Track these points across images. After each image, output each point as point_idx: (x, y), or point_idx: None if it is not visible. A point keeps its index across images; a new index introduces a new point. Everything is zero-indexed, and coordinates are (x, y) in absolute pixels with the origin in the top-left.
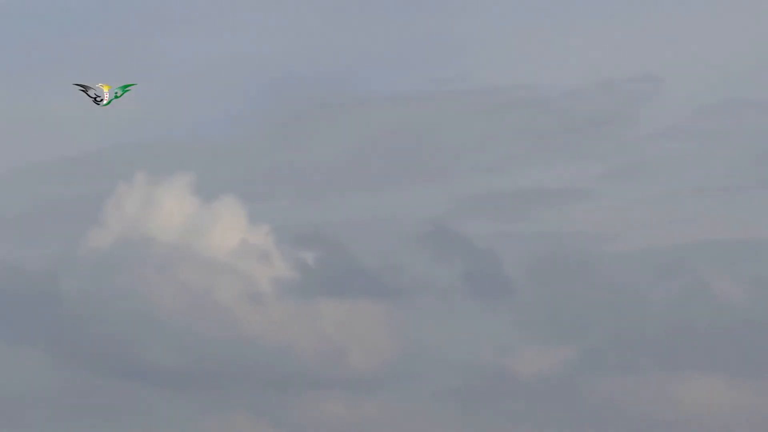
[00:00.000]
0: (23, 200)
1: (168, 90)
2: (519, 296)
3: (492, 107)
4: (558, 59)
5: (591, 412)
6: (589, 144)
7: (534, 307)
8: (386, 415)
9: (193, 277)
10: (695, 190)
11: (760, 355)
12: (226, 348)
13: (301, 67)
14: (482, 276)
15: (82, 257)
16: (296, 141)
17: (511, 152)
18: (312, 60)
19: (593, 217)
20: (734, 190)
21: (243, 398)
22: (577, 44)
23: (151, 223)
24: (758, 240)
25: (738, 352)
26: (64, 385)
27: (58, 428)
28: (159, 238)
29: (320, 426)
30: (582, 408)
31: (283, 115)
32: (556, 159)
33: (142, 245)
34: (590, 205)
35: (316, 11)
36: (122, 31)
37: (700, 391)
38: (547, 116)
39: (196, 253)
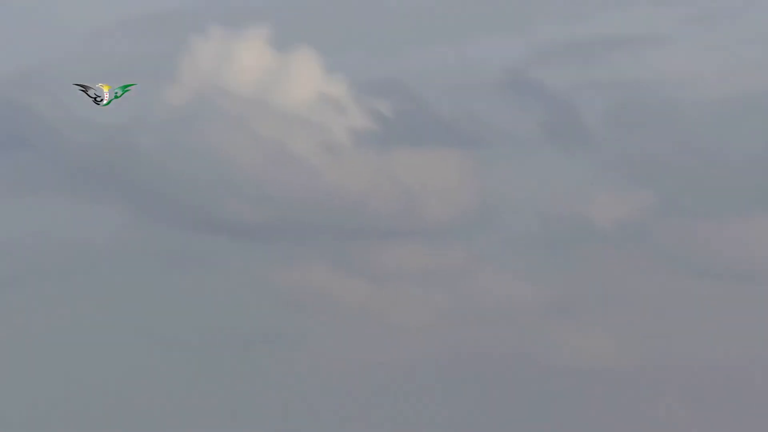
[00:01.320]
0: (98, 58)
1: None
2: (596, 144)
3: None
4: None
5: (667, 257)
6: None
7: (611, 154)
8: (464, 265)
9: (270, 130)
10: None
11: None
12: (303, 200)
13: None
14: (560, 124)
15: (159, 113)
16: None
17: None
18: None
19: (672, 63)
20: None
21: (320, 249)
22: None
23: (227, 77)
24: None
25: None
26: (142, 239)
27: (138, 282)
28: (234, 92)
29: (399, 276)
30: (658, 253)
31: None
32: (634, 4)
33: (218, 99)
34: (668, 51)
35: None
36: None
37: None
38: None
39: (272, 105)
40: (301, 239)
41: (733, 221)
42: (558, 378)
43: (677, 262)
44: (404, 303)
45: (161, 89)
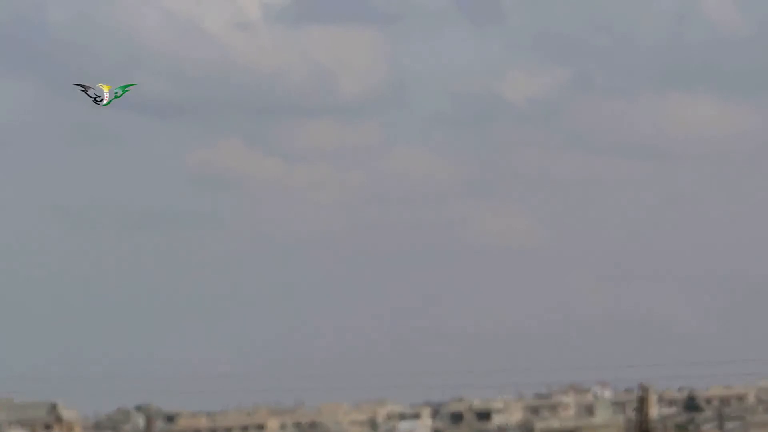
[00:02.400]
0: None
1: None
2: (511, 20)
3: None
4: None
5: (579, 134)
6: None
7: (525, 31)
8: (378, 143)
9: (181, 5)
10: None
11: None
12: (216, 76)
13: None
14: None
15: None
16: None
17: None
18: None
19: None
20: None
21: (234, 126)
22: None
23: None
24: None
25: None
26: (53, 116)
27: (50, 159)
28: None
29: (312, 152)
30: (571, 131)
31: None
32: None
33: None
34: None
35: None
36: None
37: None
38: None
39: None
40: (215, 116)
41: (644, 99)
42: (474, 256)
43: (589, 140)
44: (318, 181)
45: None
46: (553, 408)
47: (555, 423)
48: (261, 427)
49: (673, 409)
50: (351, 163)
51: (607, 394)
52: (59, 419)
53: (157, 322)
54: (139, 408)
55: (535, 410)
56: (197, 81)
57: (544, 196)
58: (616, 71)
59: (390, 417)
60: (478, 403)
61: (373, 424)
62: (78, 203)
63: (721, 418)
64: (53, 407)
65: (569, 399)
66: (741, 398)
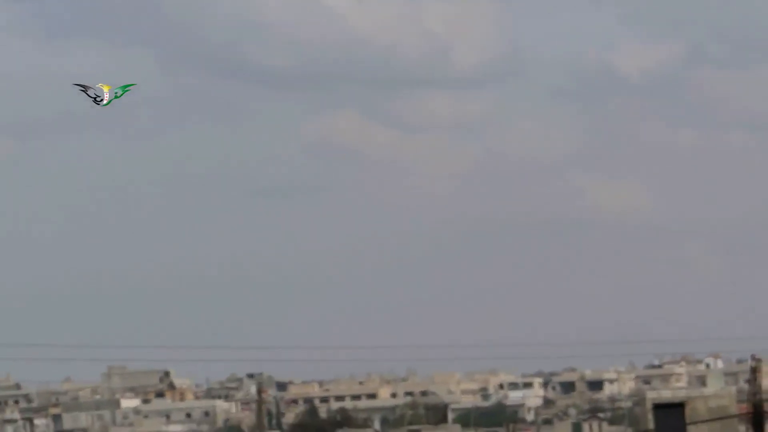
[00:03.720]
0: None
1: None
2: None
3: None
4: None
5: (696, 107)
6: None
7: (641, 2)
8: (492, 113)
9: None
10: None
11: None
12: (333, 48)
13: None
14: None
15: None
16: None
17: None
18: None
19: None
20: None
21: (351, 98)
22: None
23: None
24: None
25: None
26: (170, 86)
27: (167, 129)
28: None
29: (429, 124)
30: (687, 104)
31: None
32: None
33: None
34: None
35: None
36: None
37: None
38: None
39: None
40: (332, 88)
41: (761, 70)
42: (590, 228)
43: (705, 112)
44: (434, 152)
45: None
46: (665, 378)
47: (667, 393)
48: (373, 395)
49: None
50: (468, 134)
51: (720, 364)
52: (171, 386)
53: (270, 293)
54: (251, 376)
55: (646, 380)
56: (314, 53)
57: (662, 168)
58: (731, 43)
59: (502, 386)
60: (589, 373)
61: (484, 393)
62: (198, 173)
63: None
64: (166, 375)
65: (681, 370)
66: None
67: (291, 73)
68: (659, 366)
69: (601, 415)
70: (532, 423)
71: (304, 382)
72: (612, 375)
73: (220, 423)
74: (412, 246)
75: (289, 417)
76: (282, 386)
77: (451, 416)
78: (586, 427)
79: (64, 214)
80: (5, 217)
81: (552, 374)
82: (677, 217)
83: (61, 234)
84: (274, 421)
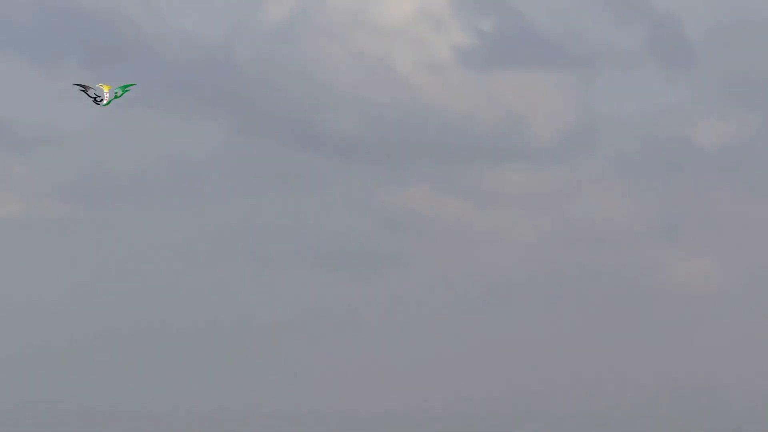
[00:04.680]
0: None
1: None
2: (702, 63)
3: None
4: None
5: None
6: None
7: (717, 74)
8: (567, 187)
9: (370, 45)
10: None
11: None
12: (405, 118)
13: None
14: (665, 43)
15: (258, 27)
16: None
17: None
18: None
19: None
20: None
21: (423, 170)
22: None
23: None
24: None
25: None
26: (242, 156)
27: (238, 197)
28: (334, 6)
29: (502, 198)
30: (762, 177)
31: None
32: None
33: (318, 14)
34: None
35: None
36: None
37: None
38: None
39: (372, 20)
40: (404, 159)
41: None
42: (661, 302)
43: None
44: (507, 225)
45: (260, 4)
46: None
47: None
48: None
49: None
50: (541, 207)
51: None
52: None
53: (341, 361)
54: None
55: None
56: (385, 122)
57: (736, 242)
58: None
59: None
60: None
61: None
62: (267, 244)
63: None
64: None
65: None
66: None
67: (361, 142)
68: None
69: None
70: None
71: None
72: None
73: None
74: (480, 319)
75: None
76: None
77: None
78: None
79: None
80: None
81: None
82: (751, 292)
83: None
84: None
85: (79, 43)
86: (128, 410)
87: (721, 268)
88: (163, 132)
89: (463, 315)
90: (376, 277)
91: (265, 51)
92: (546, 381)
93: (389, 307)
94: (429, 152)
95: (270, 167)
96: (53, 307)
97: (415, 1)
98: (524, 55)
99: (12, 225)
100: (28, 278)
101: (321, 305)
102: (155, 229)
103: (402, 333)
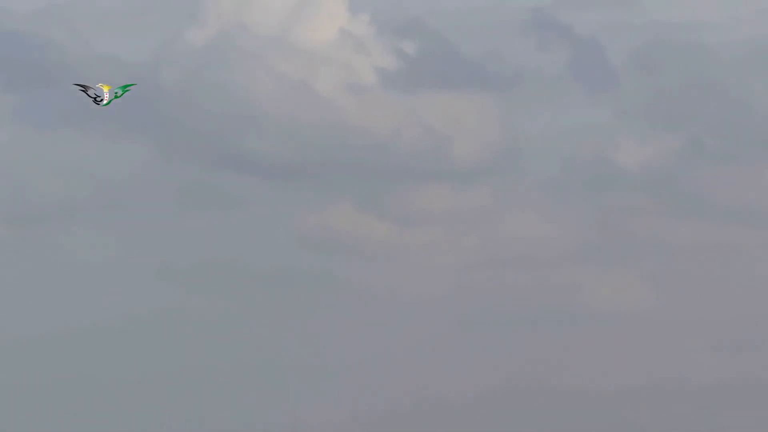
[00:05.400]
0: None
1: None
2: (623, 86)
3: None
4: None
5: (694, 202)
6: None
7: (638, 96)
8: (490, 207)
9: (293, 68)
10: None
11: None
12: (329, 140)
13: None
14: (586, 66)
15: (182, 50)
16: None
17: None
18: None
19: (700, 5)
20: None
21: (347, 190)
22: None
23: (249, 16)
24: None
25: None
26: (164, 176)
27: (161, 218)
28: (257, 31)
29: (425, 217)
30: (685, 198)
31: None
32: None
33: (241, 38)
34: None
35: None
36: None
37: None
38: None
39: (295, 43)
40: (328, 180)
41: (761, 166)
42: (585, 323)
43: (704, 207)
44: (430, 245)
45: (184, 28)
46: None
47: None
48: None
49: None
50: (464, 227)
51: None
52: None
53: (266, 384)
54: None
55: None
56: (309, 143)
57: (658, 263)
58: (730, 137)
59: None
60: None
61: None
62: (188, 265)
63: None
64: None
65: None
66: None
67: (285, 163)
68: None
69: None
70: None
71: None
72: None
73: None
74: (405, 337)
75: None
76: None
77: None
78: None
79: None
80: None
81: None
82: (673, 312)
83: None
84: None
85: (2, 65)
86: None
87: (645, 291)
88: (87, 152)
89: (387, 335)
90: (302, 299)
91: (189, 73)
92: (457, 393)
93: (314, 328)
94: (352, 172)
95: (192, 189)
96: None
97: (338, 24)
98: (447, 76)
99: None
100: None
101: (244, 326)
102: (75, 248)
103: (327, 353)
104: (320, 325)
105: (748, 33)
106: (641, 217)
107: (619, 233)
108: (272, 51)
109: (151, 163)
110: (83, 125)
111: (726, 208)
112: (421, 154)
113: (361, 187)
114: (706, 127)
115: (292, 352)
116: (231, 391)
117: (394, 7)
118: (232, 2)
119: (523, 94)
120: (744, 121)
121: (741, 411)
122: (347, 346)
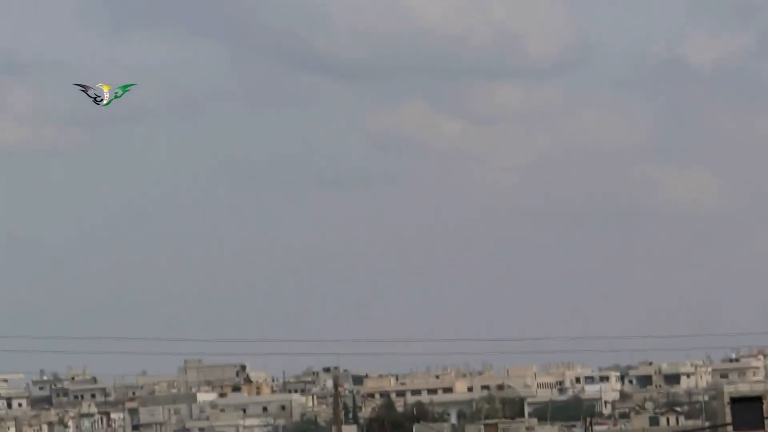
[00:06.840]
0: None
1: None
2: None
3: None
4: None
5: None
6: None
7: None
8: (562, 105)
9: None
10: None
11: None
12: (401, 39)
13: None
14: None
15: None
16: None
17: None
18: None
19: None
20: None
21: (419, 88)
22: None
23: None
24: None
25: None
26: (243, 78)
27: (239, 119)
28: None
29: (497, 115)
30: (756, 93)
31: None
32: None
33: None
34: None
35: None
36: None
37: None
38: None
39: None
40: (400, 78)
41: None
42: (660, 219)
43: None
44: (502, 144)
45: None
46: (742, 372)
47: (744, 387)
48: (449, 389)
49: None
50: (536, 125)
51: None
52: (248, 380)
53: (346, 286)
54: (327, 370)
55: (723, 374)
56: (383, 44)
57: (733, 159)
58: None
59: (578, 380)
60: (666, 367)
61: (561, 387)
62: (264, 162)
63: None
64: (242, 368)
65: (759, 363)
66: None
67: (359, 64)
68: (736, 360)
69: (678, 409)
70: (609, 417)
71: (380, 376)
72: (689, 369)
73: (296, 417)
74: (481, 239)
75: (366, 411)
76: (358, 380)
77: (527, 410)
78: (663, 421)
79: (135, 206)
80: (78, 208)
81: (628, 368)
82: (748, 207)
83: (131, 226)
84: (350, 415)
85: None
86: None
87: (718, 187)
88: (163, 51)
89: (461, 238)
90: (373, 198)
91: None
92: (543, 298)
93: (385, 228)
94: (425, 72)
95: (269, 90)
96: None
97: None
98: None
99: None
100: None
101: (323, 227)
102: (148, 155)
103: (399, 252)
104: (395, 224)
105: None
106: (715, 114)
107: (693, 130)
108: None
109: (228, 65)
110: (160, 24)
111: None
112: (493, 52)
113: (434, 87)
114: None
115: (368, 253)
116: (309, 293)
117: None
118: None
119: None
120: None
121: None
122: (423, 246)
